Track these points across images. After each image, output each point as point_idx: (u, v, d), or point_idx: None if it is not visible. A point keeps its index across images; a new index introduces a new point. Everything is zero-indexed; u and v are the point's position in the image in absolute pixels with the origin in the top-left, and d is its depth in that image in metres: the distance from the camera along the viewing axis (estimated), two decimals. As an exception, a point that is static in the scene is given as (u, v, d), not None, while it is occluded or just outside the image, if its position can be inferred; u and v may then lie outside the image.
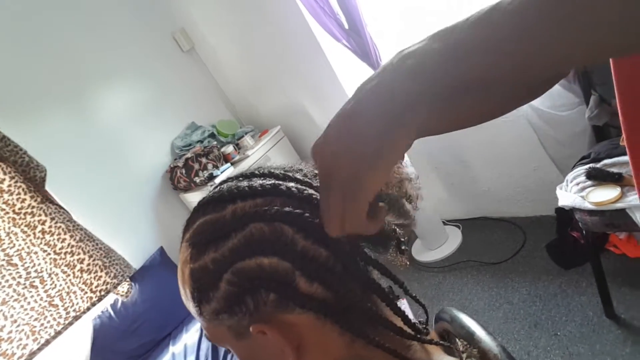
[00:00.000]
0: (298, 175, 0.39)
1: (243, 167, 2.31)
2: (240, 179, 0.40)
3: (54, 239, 1.85)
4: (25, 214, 1.79)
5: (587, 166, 1.35)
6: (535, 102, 1.67)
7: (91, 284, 1.92)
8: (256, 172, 0.40)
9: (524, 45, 0.23)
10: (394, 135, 0.26)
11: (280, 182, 0.37)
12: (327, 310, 0.34)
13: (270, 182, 0.37)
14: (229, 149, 2.43)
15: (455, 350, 0.44)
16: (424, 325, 0.41)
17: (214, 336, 0.39)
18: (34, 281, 1.81)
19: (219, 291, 0.35)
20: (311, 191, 0.36)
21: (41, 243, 1.83)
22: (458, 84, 0.25)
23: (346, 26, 1.86)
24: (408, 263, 0.42)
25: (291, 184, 0.37)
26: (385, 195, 0.38)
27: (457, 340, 0.52)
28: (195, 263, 0.36)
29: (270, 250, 0.33)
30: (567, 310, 1.58)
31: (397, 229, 0.40)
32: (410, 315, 0.40)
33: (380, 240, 0.39)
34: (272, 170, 0.39)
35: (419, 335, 0.38)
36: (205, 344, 1.89)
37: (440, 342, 0.40)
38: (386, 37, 1.99)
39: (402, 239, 0.41)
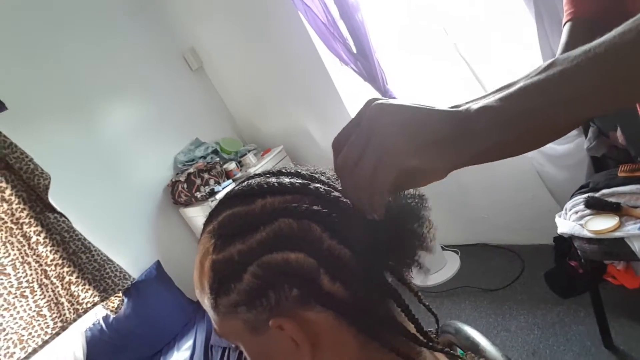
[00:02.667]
0: (322, 178, 0.40)
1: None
2: (268, 175, 0.41)
3: (46, 251, 1.85)
4: (22, 224, 1.80)
5: (585, 195, 1.38)
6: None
7: (78, 296, 1.92)
8: (283, 170, 0.41)
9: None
10: (447, 152, 0.31)
11: (309, 182, 0.38)
12: (346, 310, 0.34)
13: (299, 181, 0.38)
14: (232, 165, 2.46)
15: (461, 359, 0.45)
16: (435, 335, 0.42)
17: (226, 331, 0.38)
18: (24, 291, 1.81)
19: (241, 283, 0.34)
20: (337, 194, 0.37)
21: (34, 254, 1.83)
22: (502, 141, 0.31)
23: (354, 50, 1.93)
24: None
25: (318, 185, 0.38)
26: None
27: (458, 351, 0.52)
28: (218, 254, 0.36)
29: (297, 246, 0.34)
30: (565, 340, 1.56)
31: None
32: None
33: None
34: (299, 170, 0.41)
35: (430, 343, 0.39)
36: (197, 363, 1.85)
37: (450, 351, 0.41)
38: (391, 59, 2.05)
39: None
